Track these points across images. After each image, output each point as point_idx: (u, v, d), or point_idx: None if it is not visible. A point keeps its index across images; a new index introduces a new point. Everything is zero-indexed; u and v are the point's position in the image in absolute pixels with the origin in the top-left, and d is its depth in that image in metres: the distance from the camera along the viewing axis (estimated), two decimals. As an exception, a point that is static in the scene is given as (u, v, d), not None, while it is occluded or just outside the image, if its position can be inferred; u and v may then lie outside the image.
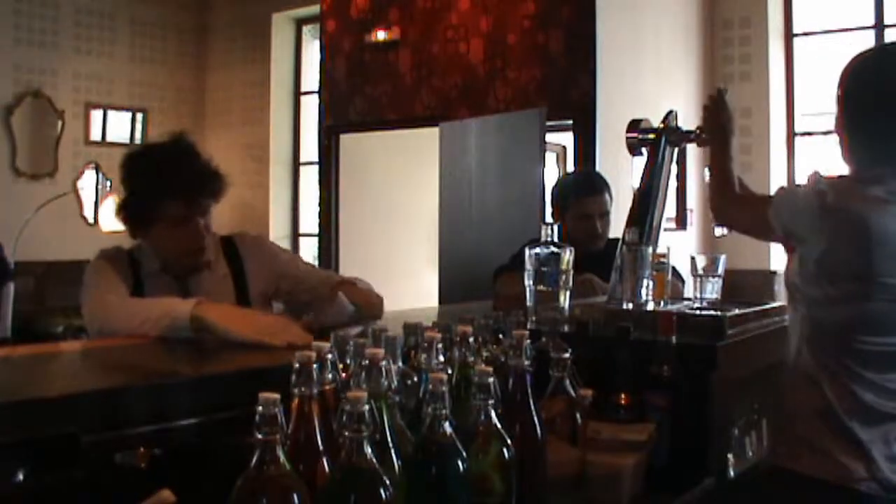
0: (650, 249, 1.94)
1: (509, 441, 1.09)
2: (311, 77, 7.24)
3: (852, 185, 1.83)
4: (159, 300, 1.89)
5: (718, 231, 2.66)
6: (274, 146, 7.28)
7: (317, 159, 6.43)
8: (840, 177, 1.88)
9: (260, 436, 0.88)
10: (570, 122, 4.96)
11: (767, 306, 2.03)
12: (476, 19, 5.31)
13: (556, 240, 1.78)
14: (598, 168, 4.54)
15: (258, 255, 2.20)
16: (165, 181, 2.00)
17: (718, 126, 2.12)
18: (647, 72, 5.18)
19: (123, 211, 2.07)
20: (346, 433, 0.92)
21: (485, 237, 4.76)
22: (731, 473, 1.69)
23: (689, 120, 2.25)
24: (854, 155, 1.87)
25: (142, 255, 2.09)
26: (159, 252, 2.07)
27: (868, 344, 1.76)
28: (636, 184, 2.20)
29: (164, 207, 1.99)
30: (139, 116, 7.24)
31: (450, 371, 1.20)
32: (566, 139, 5.40)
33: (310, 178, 7.05)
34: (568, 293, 1.80)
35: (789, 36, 5.65)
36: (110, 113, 7.08)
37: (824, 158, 5.17)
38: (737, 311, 1.84)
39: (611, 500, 1.35)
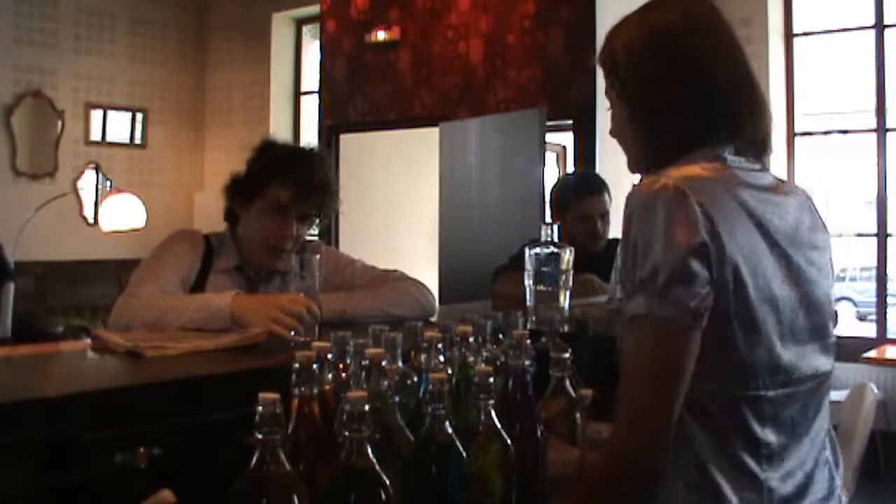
0: (650, 249, 1.93)
1: (509, 441, 1.09)
2: (311, 77, 7.24)
3: None
4: (194, 297, 1.89)
5: None
6: (274, 146, 7.26)
7: (317, 159, 6.43)
8: None
9: (260, 436, 0.88)
10: (570, 122, 4.96)
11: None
12: (476, 19, 5.31)
13: (556, 240, 1.78)
14: (597, 168, 4.54)
15: (324, 266, 2.21)
16: (280, 164, 2.06)
17: None
18: (647, 72, 5.18)
19: (235, 181, 2.10)
20: (346, 433, 0.92)
21: (485, 237, 4.76)
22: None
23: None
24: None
25: (221, 247, 2.10)
26: (245, 236, 2.08)
27: None
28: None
29: (269, 188, 2.02)
30: (139, 116, 7.24)
31: (450, 371, 1.20)
32: (566, 139, 5.41)
33: (310, 178, 7.04)
34: (568, 293, 1.79)
35: (789, 36, 5.65)
36: (110, 113, 7.08)
37: (824, 158, 5.17)
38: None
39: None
